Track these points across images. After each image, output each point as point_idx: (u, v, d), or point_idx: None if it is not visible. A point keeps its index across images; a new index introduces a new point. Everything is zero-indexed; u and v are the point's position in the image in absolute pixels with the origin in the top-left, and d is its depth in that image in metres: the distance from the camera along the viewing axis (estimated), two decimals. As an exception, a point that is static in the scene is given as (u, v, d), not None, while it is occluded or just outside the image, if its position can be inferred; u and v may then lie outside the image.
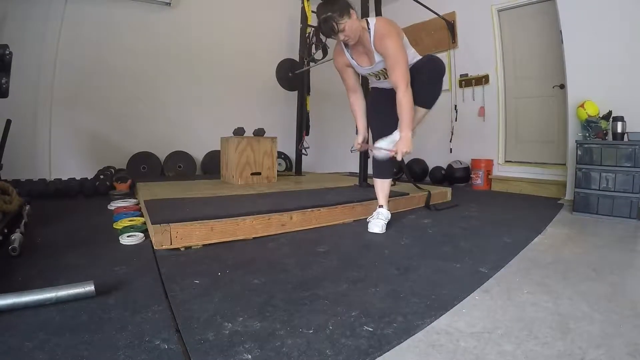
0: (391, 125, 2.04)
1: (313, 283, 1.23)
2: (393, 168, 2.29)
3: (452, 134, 4.34)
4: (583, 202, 2.54)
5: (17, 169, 3.11)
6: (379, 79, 2.07)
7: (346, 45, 1.93)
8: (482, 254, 1.59)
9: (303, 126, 4.09)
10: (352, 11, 1.75)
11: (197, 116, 4.28)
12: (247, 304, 1.06)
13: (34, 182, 3.01)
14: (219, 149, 3.51)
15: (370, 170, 3.19)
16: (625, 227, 2.20)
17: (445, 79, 4.35)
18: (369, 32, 1.82)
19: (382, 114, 2.12)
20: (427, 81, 1.93)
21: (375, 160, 2.15)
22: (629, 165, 2.37)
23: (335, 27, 1.71)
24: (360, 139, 2.09)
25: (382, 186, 2.15)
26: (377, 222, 2.00)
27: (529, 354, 0.82)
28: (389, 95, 2.04)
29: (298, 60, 4.25)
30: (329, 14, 1.70)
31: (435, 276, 1.32)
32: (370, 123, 2.17)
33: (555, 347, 0.85)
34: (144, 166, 3.91)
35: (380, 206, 2.12)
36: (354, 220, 2.24)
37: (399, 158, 1.84)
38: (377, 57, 1.88)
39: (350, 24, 1.73)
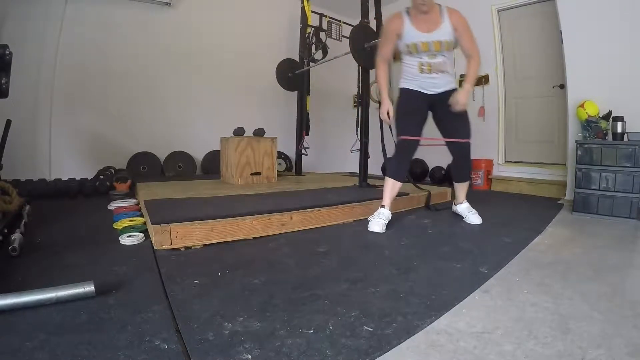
0: (416, 131, 2.12)
1: (313, 283, 1.23)
2: (407, 172, 2.30)
3: (452, 134, 4.33)
4: (583, 202, 2.54)
5: (17, 169, 3.10)
6: (423, 56, 2.07)
7: (408, 13, 2.03)
8: (482, 254, 1.59)
9: (303, 126, 4.10)
10: None
11: (197, 116, 4.28)
12: (247, 304, 1.06)
13: (34, 182, 3.01)
14: (219, 149, 3.51)
15: (370, 171, 3.20)
16: (625, 227, 2.20)
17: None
18: (440, 8, 2.01)
19: (412, 115, 2.13)
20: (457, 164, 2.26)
21: (396, 159, 2.15)
22: (628, 165, 2.38)
23: None
24: (385, 108, 2.12)
25: (393, 187, 2.15)
26: (378, 222, 2.01)
27: (529, 354, 0.82)
28: (419, 98, 2.13)
29: (298, 60, 4.25)
30: None
31: (435, 276, 1.32)
32: (396, 122, 2.19)
33: (555, 347, 0.85)
34: (144, 166, 3.91)
35: (383, 206, 2.12)
36: (354, 220, 2.24)
37: (458, 107, 2.01)
38: (442, 27, 1.99)
39: None
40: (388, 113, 2.13)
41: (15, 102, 2.41)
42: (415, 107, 2.12)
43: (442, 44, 2.00)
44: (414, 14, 2.01)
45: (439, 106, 2.11)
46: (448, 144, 2.17)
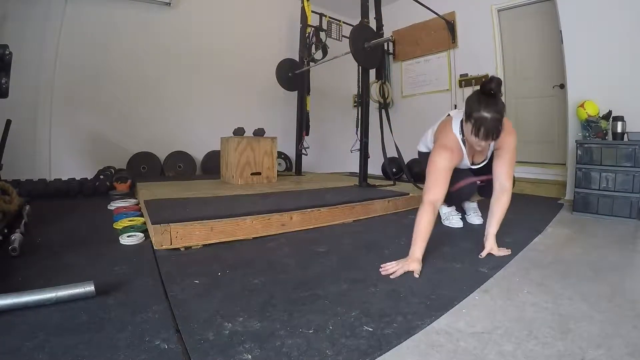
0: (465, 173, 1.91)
1: (313, 283, 1.23)
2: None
3: (452, 134, 4.33)
4: (583, 202, 2.54)
5: (17, 169, 3.10)
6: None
7: (464, 143, 1.67)
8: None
9: (303, 126, 4.10)
10: None
11: (197, 116, 4.28)
12: (247, 304, 1.06)
13: (34, 182, 3.01)
14: (219, 149, 3.51)
15: (370, 171, 3.20)
16: (625, 227, 2.20)
17: (445, 78, 4.42)
18: None
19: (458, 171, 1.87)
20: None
21: (452, 199, 2.01)
22: (629, 165, 2.37)
23: (493, 139, 1.44)
24: (415, 268, 1.37)
25: None
26: (457, 217, 2.15)
27: (529, 354, 0.82)
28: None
29: (298, 60, 4.25)
30: (499, 116, 1.40)
31: (435, 276, 1.32)
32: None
33: (555, 347, 0.85)
34: (144, 166, 3.91)
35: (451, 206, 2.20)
36: (354, 220, 2.23)
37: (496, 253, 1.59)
38: (489, 154, 1.77)
39: (491, 143, 1.53)
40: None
41: (15, 102, 2.41)
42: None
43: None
44: (467, 144, 1.66)
45: None
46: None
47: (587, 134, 2.66)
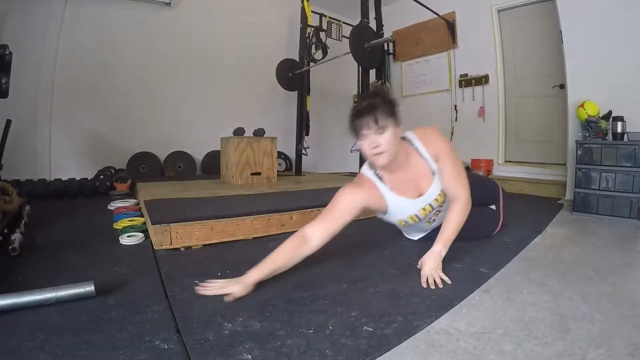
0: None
1: (313, 283, 1.24)
2: None
3: (452, 134, 4.34)
4: (583, 202, 2.54)
5: (17, 169, 3.10)
6: (428, 221, 1.56)
7: (379, 177, 1.42)
8: (482, 254, 1.59)
9: (303, 126, 4.10)
10: (399, 120, 1.29)
11: (197, 116, 4.28)
12: (247, 304, 1.06)
13: (34, 182, 3.01)
14: (219, 149, 3.51)
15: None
16: (625, 227, 2.20)
17: (445, 78, 4.42)
18: (415, 147, 1.40)
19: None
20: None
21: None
22: (629, 165, 2.37)
23: (377, 121, 1.21)
24: (237, 289, 1.10)
25: None
26: None
27: (529, 354, 0.82)
28: None
29: (298, 60, 4.25)
30: (376, 102, 1.25)
31: (435, 276, 1.32)
32: None
33: (555, 347, 0.85)
34: (144, 166, 3.91)
35: None
36: (354, 221, 2.23)
37: (424, 282, 1.24)
38: (434, 177, 1.41)
39: (392, 133, 1.25)
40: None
41: (15, 102, 2.41)
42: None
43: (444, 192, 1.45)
44: (386, 174, 1.41)
45: None
46: None
47: (587, 134, 2.66)
